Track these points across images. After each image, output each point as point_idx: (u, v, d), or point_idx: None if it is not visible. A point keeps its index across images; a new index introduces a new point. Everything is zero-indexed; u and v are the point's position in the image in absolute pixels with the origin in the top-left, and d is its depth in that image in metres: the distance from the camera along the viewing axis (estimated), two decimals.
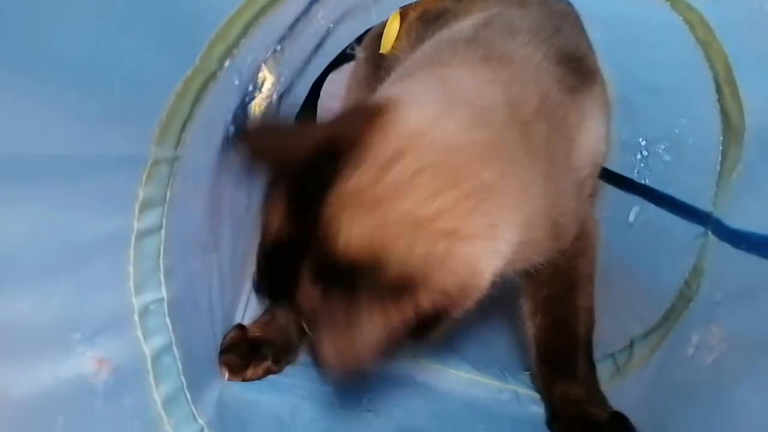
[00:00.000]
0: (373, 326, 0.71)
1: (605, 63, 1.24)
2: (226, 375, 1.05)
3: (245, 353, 1.08)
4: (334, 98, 1.82)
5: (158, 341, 0.83)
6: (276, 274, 0.83)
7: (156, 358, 0.82)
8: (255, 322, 1.17)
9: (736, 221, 1.01)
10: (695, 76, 1.08)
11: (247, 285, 1.23)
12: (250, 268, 1.25)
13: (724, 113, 1.03)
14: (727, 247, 1.02)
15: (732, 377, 0.92)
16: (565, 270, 1.14)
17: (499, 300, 1.48)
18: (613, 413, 1.10)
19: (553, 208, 0.96)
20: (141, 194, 0.81)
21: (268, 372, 1.10)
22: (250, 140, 0.85)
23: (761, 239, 0.93)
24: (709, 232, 1.08)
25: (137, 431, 0.78)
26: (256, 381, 1.08)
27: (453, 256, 0.74)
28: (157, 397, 0.81)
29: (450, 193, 0.74)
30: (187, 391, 0.87)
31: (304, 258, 0.76)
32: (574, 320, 1.19)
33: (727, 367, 0.93)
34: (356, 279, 0.72)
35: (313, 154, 0.76)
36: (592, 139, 1.10)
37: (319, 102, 1.94)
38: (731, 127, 1.02)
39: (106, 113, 0.73)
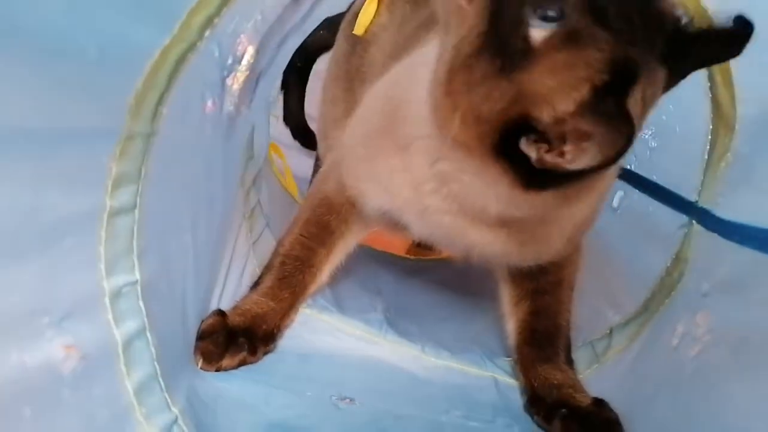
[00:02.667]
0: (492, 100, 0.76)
1: None
2: (200, 363, 1.01)
3: (222, 341, 1.04)
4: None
5: (131, 326, 0.79)
6: None
7: (128, 343, 0.78)
8: (235, 307, 1.13)
9: (726, 212, 1.00)
10: None
11: (224, 268, 1.19)
12: (226, 250, 1.22)
13: (714, 101, 1.02)
14: (715, 238, 1.01)
15: (717, 369, 0.91)
16: (553, 270, 1.16)
17: (475, 285, 1.48)
18: (595, 399, 1.10)
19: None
20: (114, 170, 0.76)
21: (243, 362, 1.06)
22: None
23: (754, 231, 0.92)
24: (694, 222, 1.08)
25: (106, 421, 0.73)
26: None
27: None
28: (129, 385, 0.77)
29: None
30: (160, 378, 0.82)
31: None
32: (557, 312, 1.21)
33: (712, 359, 0.93)
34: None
35: None
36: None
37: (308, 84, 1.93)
38: (721, 116, 1.01)
39: (79, 83, 0.69)
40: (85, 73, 0.69)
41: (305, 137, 2.03)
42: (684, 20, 0.78)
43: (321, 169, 1.35)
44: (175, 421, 0.83)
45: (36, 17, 0.63)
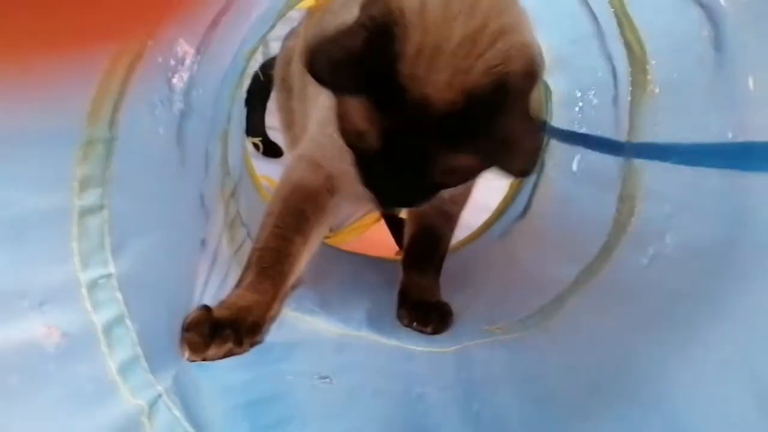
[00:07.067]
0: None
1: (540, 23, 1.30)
2: (186, 354, 1.04)
3: (207, 332, 1.07)
4: None
5: (109, 313, 0.84)
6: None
7: (108, 328, 0.83)
8: (221, 302, 1.17)
9: (659, 138, 1.06)
10: (604, 17, 1.13)
11: (205, 264, 1.25)
12: (205, 247, 1.28)
13: (627, 45, 1.08)
14: (659, 165, 1.06)
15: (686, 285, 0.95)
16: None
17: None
18: (438, 300, 1.46)
19: None
20: (78, 172, 0.82)
21: (229, 353, 1.09)
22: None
23: (685, 148, 0.97)
24: (632, 161, 1.13)
25: (92, 393, 0.78)
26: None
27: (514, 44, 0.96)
28: (112, 364, 0.82)
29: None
30: (144, 361, 0.87)
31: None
32: (440, 223, 1.57)
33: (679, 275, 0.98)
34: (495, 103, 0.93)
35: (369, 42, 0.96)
36: None
37: None
38: (635, 57, 1.07)
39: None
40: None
41: (268, 147, 2.67)
42: None
43: (288, 164, 1.43)
44: (160, 396, 0.88)
45: None
